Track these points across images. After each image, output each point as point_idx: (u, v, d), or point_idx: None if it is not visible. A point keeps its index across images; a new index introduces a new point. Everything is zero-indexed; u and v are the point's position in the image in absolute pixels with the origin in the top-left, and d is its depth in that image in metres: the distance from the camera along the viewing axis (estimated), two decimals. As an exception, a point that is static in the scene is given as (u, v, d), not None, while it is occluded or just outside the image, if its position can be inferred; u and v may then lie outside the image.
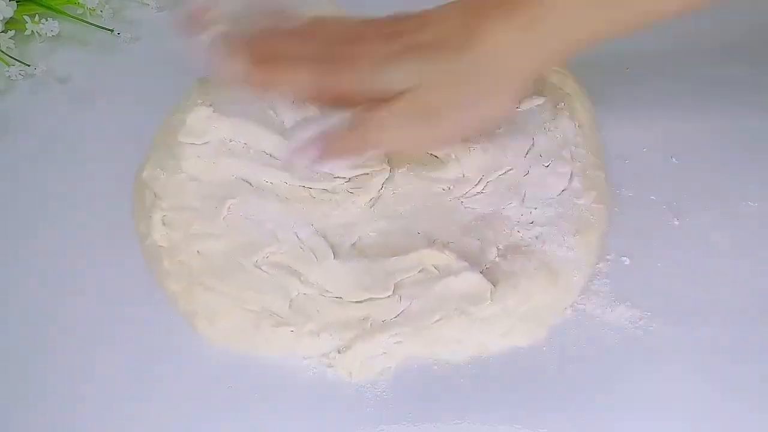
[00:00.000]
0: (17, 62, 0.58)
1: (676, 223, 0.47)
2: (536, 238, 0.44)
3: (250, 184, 0.47)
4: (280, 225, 0.45)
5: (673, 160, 0.50)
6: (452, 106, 0.43)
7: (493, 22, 0.42)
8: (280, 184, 0.46)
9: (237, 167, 0.47)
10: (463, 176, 0.46)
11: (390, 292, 0.42)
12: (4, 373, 0.42)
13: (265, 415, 0.39)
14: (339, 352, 0.41)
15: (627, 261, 0.45)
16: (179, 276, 0.44)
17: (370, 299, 0.42)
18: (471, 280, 0.41)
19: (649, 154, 0.50)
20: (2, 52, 0.58)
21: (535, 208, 0.45)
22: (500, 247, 0.43)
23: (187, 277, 0.43)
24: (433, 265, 0.43)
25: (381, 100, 0.43)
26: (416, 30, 0.44)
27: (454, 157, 0.47)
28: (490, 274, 0.42)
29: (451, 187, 0.46)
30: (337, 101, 0.45)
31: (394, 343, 0.41)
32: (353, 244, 0.44)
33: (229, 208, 0.45)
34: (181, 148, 0.47)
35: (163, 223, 0.45)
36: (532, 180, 0.46)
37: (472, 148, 0.47)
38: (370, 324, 0.41)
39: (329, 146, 0.44)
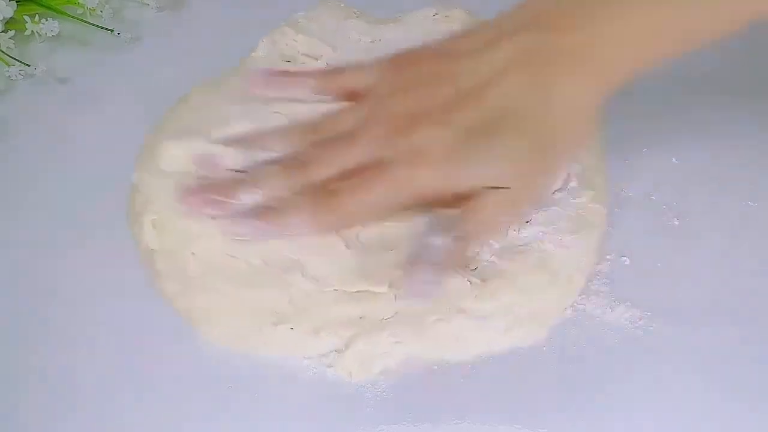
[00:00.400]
0: (17, 62, 0.58)
1: (676, 223, 0.47)
2: (534, 237, 0.44)
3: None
4: None
5: (673, 160, 0.50)
6: (544, 176, 0.42)
7: (564, 77, 0.39)
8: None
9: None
10: None
11: (385, 287, 0.41)
12: (4, 372, 0.42)
13: (265, 415, 0.39)
14: (338, 351, 0.41)
15: (627, 261, 0.45)
16: (175, 278, 0.43)
17: (366, 294, 0.41)
18: (456, 278, 0.41)
19: (649, 154, 0.50)
20: (2, 52, 0.58)
21: (534, 209, 0.45)
22: (496, 246, 0.43)
23: (184, 280, 0.43)
24: None
25: (463, 196, 0.39)
26: (471, 99, 0.39)
27: None
28: (484, 273, 0.42)
29: None
30: (417, 200, 0.41)
31: (393, 342, 0.41)
32: (357, 235, 0.43)
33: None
34: (166, 150, 0.46)
35: (153, 227, 0.45)
36: None
37: None
38: (368, 323, 0.41)
39: (444, 267, 0.40)
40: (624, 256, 0.45)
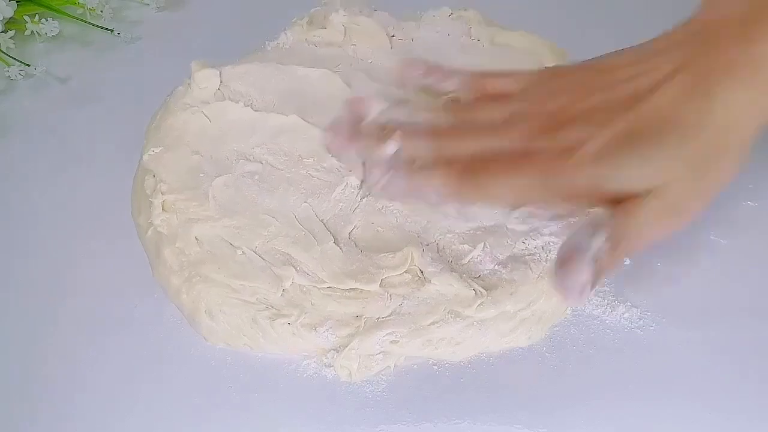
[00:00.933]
0: (17, 62, 0.58)
1: (677, 223, 0.47)
2: (542, 248, 0.43)
3: (248, 159, 0.47)
4: (278, 205, 0.45)
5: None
6: (701, 191, 0.39)
7: (729, 86, 0.37)
8: (280, 162, 0.47)
9: (239, 138, 0.48)
10: None
11: (376, 286, 0.41)
12: (3, 372, 0.42)
13: (264, 415, 0.39)
14: (337, 351, 0.41)
15: (627, 261, 0.45)
16: (179, 268, 0.44)
17: (359, 292, 0.42)
18: (453, 285, 0.41)
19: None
20: (2, 52, 0.58)
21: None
22: (500, 257, 0.43)
23: (187, 268, 0.43)
24: (418, 267, 0.42)
25: (611, 199, 0.38)
26: (626, 107, 0.38)
27: None
28: (489, 283, 0.42)
29: None
30: (563, 201, 0.39)
31: (391, 342, 0.41)
32: (349, 233, 0.44)
33: (221, 185, 0.46)
34: (181, 117, 0.49)
35: (163, 208, 0.45)
36: None
37: None
38: (364, 322, 0.41)
39: (598, 271, 0.37)
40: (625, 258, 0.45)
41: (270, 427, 0.39)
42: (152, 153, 0.48)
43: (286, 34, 0.55)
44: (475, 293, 0.41)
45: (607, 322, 0.42)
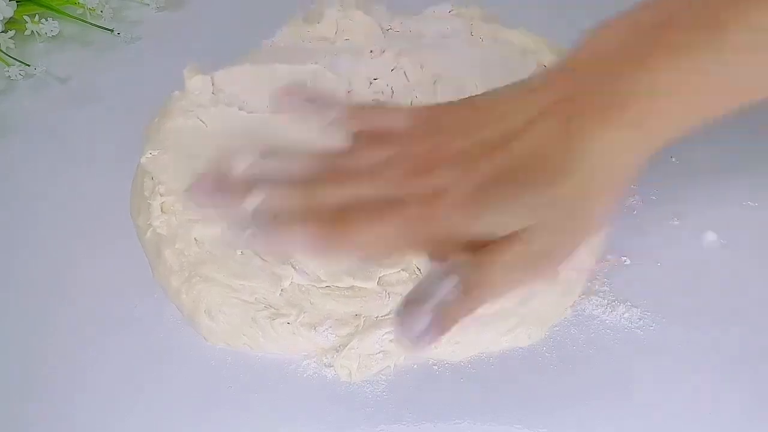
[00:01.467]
0: (17, 62, 0.58)
1: (676, 223, 0.47)
2: None
3: None
4: None
5: (673, 160, 0.50)
6: (569, 236, 0.37)
7: (600, 126, 0.35)
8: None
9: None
10: None
11: (374, 283, 0.41)
12: (3, 372, 0.42)
13: (264, 415, 0.39)
14: (336, 350, 0.41)
15: (627, 261, 0.45)
16: (179, 268, 0.44)
17: (358, 291, 0.42)
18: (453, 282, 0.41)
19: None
20: (2, 52, 0.58)
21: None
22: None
23: (187, 269, 0.43)
24: (416, 266, 0.42)
25: (478, 245, 0.36)
26: (494, 149, 0.36)
27: None
28: None
29: None
30: (424, 248, 0.37)
31: (390, 341, 0.41)
32: None
33: None
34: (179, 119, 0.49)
35: (162, 210, 0.45)
36: None
37: None
38: (363, 321, 0.41)
39: (444, 319, 0.35)
40: (624, 256, 0.45)
41: (270, 427, 0.39)
42: (150, 155, 0.48)
43: (282, 30, 0.55)
44: None
45: (607, 322, 0.42)
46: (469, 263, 0.35)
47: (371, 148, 0.39)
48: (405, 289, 0.41)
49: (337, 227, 0.36)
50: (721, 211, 0.47)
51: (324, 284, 0.42)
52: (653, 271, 0.44)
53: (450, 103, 0.40)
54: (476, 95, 0.40)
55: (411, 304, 0.34)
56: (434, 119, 0.39)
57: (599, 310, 0.43)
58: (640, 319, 0.42)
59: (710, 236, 0.46)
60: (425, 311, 0.34)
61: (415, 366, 0.41)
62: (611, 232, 0.45)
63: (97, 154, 0.52)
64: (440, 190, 0.36)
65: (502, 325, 0.41)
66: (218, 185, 0.38)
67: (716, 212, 0.47)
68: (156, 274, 0.45)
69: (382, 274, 0.42)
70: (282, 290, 0.42)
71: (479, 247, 0.36)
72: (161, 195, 0.46)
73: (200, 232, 0.44)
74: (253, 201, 0.37)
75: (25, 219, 0.49)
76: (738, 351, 0.41)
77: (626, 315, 0.42)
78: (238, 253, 0.43)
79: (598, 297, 0.43)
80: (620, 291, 0.43)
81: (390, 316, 0.41)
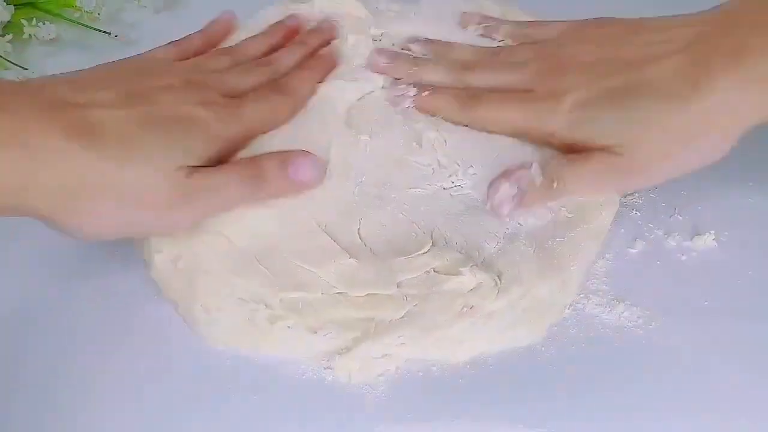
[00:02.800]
0: (14, 66, 0.58)
1: (676, 221, 0.47)
2: (534, 228, 0.43)
3: None
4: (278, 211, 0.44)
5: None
6: (656, 162, 0.41)
7: (723, 73, 0.38)
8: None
9: None
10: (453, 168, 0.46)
11: (393, 289, 0.41)
12: (3, 371, 0.42)
13: (264, 415, 0.39)
14: (339, 353, 0.40)
15: (627, 261, 0.45)
16: (169, 260, 0.43)
17: (374, 297, 0.41)
18: (478, 277, 0.41)
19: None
20: (0, 56, 0.58)
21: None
22: (498, 234, 0.43)
23: (183, 267, 0.43)
24: (436, 266, 0.42)
25: (575, 147, 0.42)
26: (629, 66, 0.41)
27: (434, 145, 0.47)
28: (490, 266, 0.42)
29: (434, 171, 0.46)
30: (534, 139, 0.44)
31: (398, 345, 0.40)
32: (358, 231, 0.43)
33: None
34: None
35: None
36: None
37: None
38: (375, 325, 0.41)
39: (524, 196, 0.42)
40: (624, 256, 0.45)
41: (270, 428, 0.39)
42: None
43: (266, 10, 0.53)
44: (495, 283, 0.41)
45: (607, 321, 0.42)
46: (563, 158, 0.42)
47: (516, 50, 0.47)
48: (422, 291, 0.41)
49: (470, 102, 0.45)
50: (721, 211, 0.47)
51: (335, 291, 0.41)
52: (653, 271, 0.44)
53: (603, 18, 0.45)
54: (635, 18, 0.45)
55: (501, 177, 0.42)
56: (589, 29, 0.45)
57: (599, 310, 0.43)
58: (639, 319, 0.42)
59: (710, 235, 0.46)
60: (509, 183, 0.42)
61: (415, 367, 0.41)
62: (610, 232, 0.46)
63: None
64: (569, 89, 0.42)
65: (505, 321, 0.41)
66: (393, 57, 0.49)
67: (716, 211, 0.47)
68: (151, 272, 0.44)
69: (400, 279, 0.41)
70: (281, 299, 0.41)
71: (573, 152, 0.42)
72: None
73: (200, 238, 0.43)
74: (419, 71, 0.48)
75: (24, 219, 0.49)
76: (738, 350, 0.41)
77: (626, 314, 0.42)
78: (237, 246, 0.43)
79: (598, 296, 0.43)
80: (620, 290, 0.43)
81: (405, 318, 0.41)
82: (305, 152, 0.43)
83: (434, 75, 0.47)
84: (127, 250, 0.46)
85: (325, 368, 0.41)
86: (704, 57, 0.39)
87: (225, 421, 0.39)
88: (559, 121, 0.42)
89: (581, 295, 0.43)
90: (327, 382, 0.40)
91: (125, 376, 0.41)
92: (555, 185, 0.42)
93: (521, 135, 0.44)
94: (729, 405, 0.39)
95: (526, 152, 0.45)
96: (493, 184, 0.42)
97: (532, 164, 0.42)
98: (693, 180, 0.48)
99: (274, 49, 0.49)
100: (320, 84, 0.48)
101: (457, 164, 0.46)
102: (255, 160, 0.43)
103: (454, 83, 0.46)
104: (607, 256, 0.45)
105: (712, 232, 0.46)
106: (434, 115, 0.46)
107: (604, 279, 0.44)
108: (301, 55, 0.48)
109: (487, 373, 0.40)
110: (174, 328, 0.43)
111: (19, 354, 0.43)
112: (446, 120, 0.46)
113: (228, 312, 0.42)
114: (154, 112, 0.39)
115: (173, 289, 0.43)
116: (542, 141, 0.44)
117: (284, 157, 0.43)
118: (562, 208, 0.44)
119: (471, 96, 0.45)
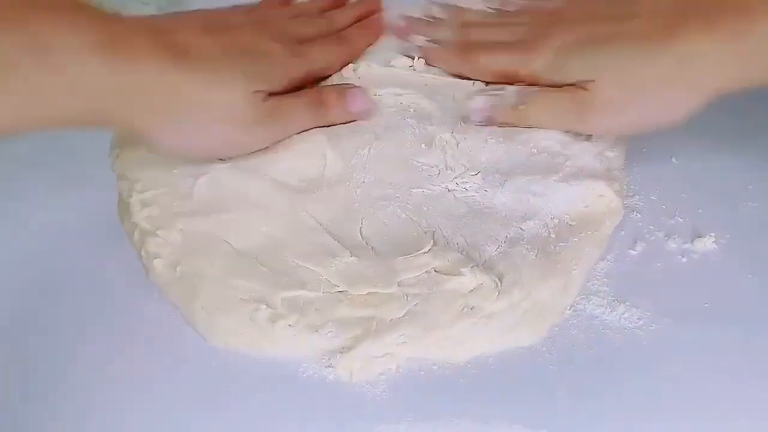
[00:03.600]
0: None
1: (676, 222, 0.47)
2: (538, 230, 0.43)
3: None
4: (269, 202, 0.44)
5: (673, 160, 0.50)
6: (618, 104, 0.44)
7: (696, 29, 0.41)
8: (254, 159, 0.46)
9: None
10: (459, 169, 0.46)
11: (394, 288, 0.41)
12: (3, 372, 0.42)
13: (264, 414, 0.39)
14: (341, 352, 0.40)
15: (628, 262, 0.45)
16: (169, 262, 0.43)
17: (375, 295, 0.41)
18: (478, 278, 0.41)
19: (649, 154, 0.50)
20: (2, 53, 0.58)
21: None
22: (499, 238, 0.43)
23: (178, 262, 0.43)
24: (437, 266, 0.42)
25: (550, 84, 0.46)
26: (614, 19, 0.44)
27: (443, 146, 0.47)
28: (492, 268, 0.42)
29: (440, 173, 0.46)
30: (510, 79, 0.48)
31: (400, 344, 0.40)
32: (360, 231, 0.44)
33: (204, 185, 0.45)
34: None
35: (142, 205, 0.45)
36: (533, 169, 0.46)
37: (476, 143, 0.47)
38: (376, 323, 0.41)
39: (493, 115, 0.47)
40: (624, 256, 0.45)
41: (270, 427, 0.39)
42: (116, 156, 0.47)
43: None
44: (495, 284, 0.41)
45: (607, 322, 0.42)
46: (536, 90, 0.46)
47: (517, 13, 0.52)
48: (423, 290, 0.41)
49: (467, 51, 0.50)
50: (722, 213, 0.47)
51: (336, 289, 0.41)
52: (653, 271, 0.44)
53: None
54: None
55: (481, 90, 0.48)
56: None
57: (599, 310, 0.43)
58: (639, 319, 0.42)
59: (710, 238, 0.46)
60: (486, 99, 0.47)
61: (416, 366, 0.41)
62: (611, 234, 0.46)
63: (96, 154, 0.52)
64: (554, 35, 0.46)
65: (506, 321, 0.41)
66: (411, 20, 0.53)
67: (716, 214, 0.47)
68: (150, 275, 0.44)
69: (401, 278, 0.41)
70: (282, 298, 0.41)
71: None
72: (138, 192, 0.45)
73: (185, 224, 0.43)
74: (431, 30, 0.52)
75: (24, 219, 0.49)
76: (738, 351, 0.41)
77: (626, 315, 0.42)
78: (235, 248, 0.43)
79: (598, 297, 0.43)
80: (620, 291, 0.43)
81: (405, 317, 0.41)
82: (360, 87, 0.49)
83: (443, 33, 0.52)
84: (128, 252, 0.46)
85: (326, 366, 0.41)
86: (686, 10, 0.41)
87: (225, 420, 0.39)
88: (541, 63, 0.46)
89: (582, 296, 0.43)
90: (328, 381, 0.40)
91: (125, 376, 0.41)
92: (521, 108, 0.46)
93: (511, 79, 0.48)
94: (729, 405, 0.39)
95: (538, 160, 0.46)
96: (472, 96, 0.48)
97: (510, 88, 0.47)
98: (693, 182, 0.49)
99: (325, 11, 0.53)
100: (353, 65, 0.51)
101: (464, 166, 0.46)
102: (318, 90, 0.48)
103: (458, 38, 0.51)
104: (608, 257, 0.45)
105: (713, 234, 0.46)
106: (438, 66, 0.51)
107: (605, 280, 0.44)
108: (353, 16, 0.53)
109: (488, 373, 0.40)
110: (174, 328, 0.43)
111: (19, 355, 0.43)
112: (448, 71, 0.51)
113: (229, 312, 0.42)
114: (236, 42, 0.44)
115: (173, 293, 0.43)
116: (530, 83, 0.47)
117: (342, 89, 0.48)
118: (566, 216, 0.44)
119: (468, 46, 0.50)
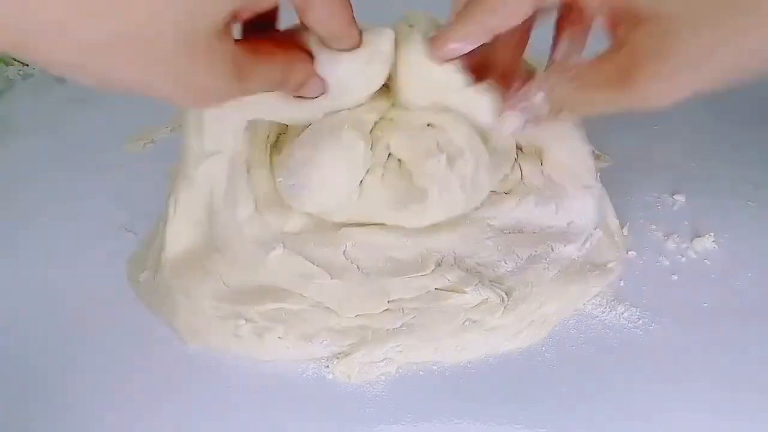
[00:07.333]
0: (16, 62, 0.58)
1: (676, 222, 0.47)
2: (563, 254, 0.43)
3: None
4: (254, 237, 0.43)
5: (673, 160, 0.50)
6: (655, 65, 0.38)
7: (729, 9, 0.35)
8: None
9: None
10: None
11: (383, 308, 0.41)
12: (3, 373, 0.42)
13: (264, 415, 0.39)
14: (338, 357, 0.40)
15: (627, 262, 0.45)
16: (151, 285, 0.43)
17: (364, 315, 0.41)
18: (482, 294, 0.41)
19: (649, 155, 0.50)
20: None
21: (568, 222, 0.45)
22: (521, 255, 0.43)
23: (162, 285, 0.43)
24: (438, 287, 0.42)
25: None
26: None
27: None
28: (500, 283, 0.42)
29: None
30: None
31: (397, 352, 0.40)
32: (344, 253, 0.42)
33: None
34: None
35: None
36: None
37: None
38: (372, 333, 0.40)
39: (534, 124, 0.41)
40: (624, 256, 0.45)
41: (270, 427, 0.39)
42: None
43: None
44: (501, 299, 0.41)
45: (607, 322, 0.42)
46: (562, 80, 0.39)
47: None
48: (420, 305, 0.41)
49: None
50: (721, 213, 0.47)
51: (323, 305, 0.41)
52: (653, 271, 0.45)
53: None
54: None
55: (507, 107, 0.41)
56: None
57: (599, 310, 0.43)
58: (639, 319, 0.42)
59: (709, 237, 0.46)
60: (518, 117, 0.40)
61: (415, 366, 0.41)
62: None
63: (96, 153, 0.52)
64: None
65: (510, 331, 0.41)
66: None
67: (716, 214, 0.47)
68: (136, 293, 0.44)
69: (392, 298, 0.41)
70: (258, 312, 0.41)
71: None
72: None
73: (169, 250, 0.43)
74: None
75: (23, 219, 0.49)
76: (738, 351, 0.41)
77: (626, 315, 0.42)
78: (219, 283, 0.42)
79: (598, 297, 0.43)
80: (620, 291, 0.44)
81: (403, 328, 0.40)
82: (323, 80, 0.41)
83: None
84: (128, 249, 0.46)
85: (325, 366, 0.41)
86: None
87: (225, 420, 0.39)
88: None
89: (582, 296, 0.43)
90: (327, 382, 0.40)
91: (125, 375, 0.41)
92: (556, 105, 0.40)
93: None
94: (728, 405, 0.39)
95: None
96: (501, 116, 0.41)
97: (537, 95, 0.40)
98: (693, 183, 0.49)
99: None
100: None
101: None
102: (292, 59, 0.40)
103: None
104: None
105: (712, 234, 0.46)
106: None
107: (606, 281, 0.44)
108: None
109: (488, 372, 0.40)
110: (174, 330, 0.43)
111: (19, 357, 0.43)
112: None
113: (212, 330, 0.41)
114: None
115: (158, 311, 0.43)
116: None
117: (312, 75, 0.40)
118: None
119: None
